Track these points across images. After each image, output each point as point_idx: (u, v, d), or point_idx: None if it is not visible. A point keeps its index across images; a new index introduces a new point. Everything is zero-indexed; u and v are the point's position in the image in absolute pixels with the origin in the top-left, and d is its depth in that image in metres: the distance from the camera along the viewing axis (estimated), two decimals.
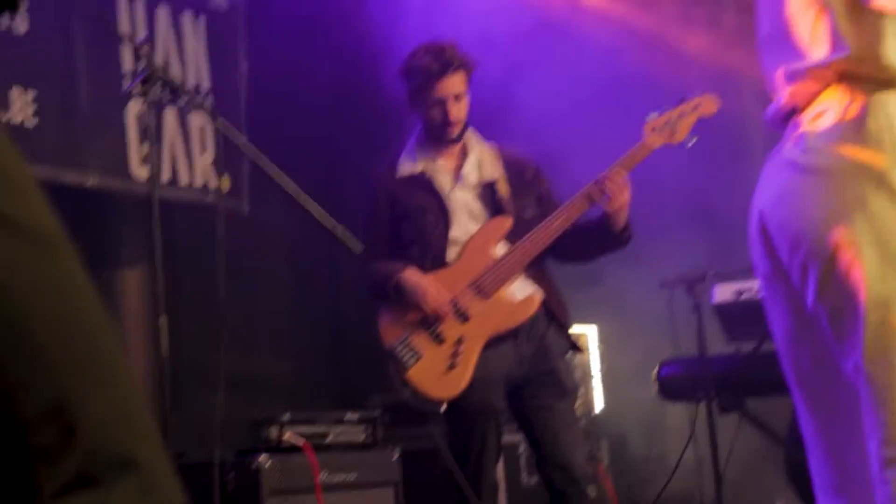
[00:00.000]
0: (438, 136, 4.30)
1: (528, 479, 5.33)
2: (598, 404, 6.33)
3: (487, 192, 4.29)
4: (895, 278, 2.27)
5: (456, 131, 4.29)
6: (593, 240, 4.30)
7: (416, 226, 4.27)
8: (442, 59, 4.25)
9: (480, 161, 4.32)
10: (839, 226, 2.31)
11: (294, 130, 6.13)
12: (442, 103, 4.25)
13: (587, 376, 6.30)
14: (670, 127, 4.20)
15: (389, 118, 5.45)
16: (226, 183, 5.60)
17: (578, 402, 5.79)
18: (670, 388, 5.49)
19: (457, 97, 4.25)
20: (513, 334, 4.18)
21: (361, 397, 5.74)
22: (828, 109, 2.36)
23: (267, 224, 5.92)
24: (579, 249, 4.36)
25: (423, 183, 4.28)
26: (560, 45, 6.10)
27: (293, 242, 6.20)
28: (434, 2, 5.88)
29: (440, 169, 4.31)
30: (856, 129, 2.32)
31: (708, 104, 4.24)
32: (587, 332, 6.39)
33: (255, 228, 5.86)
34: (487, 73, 5.58)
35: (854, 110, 2.33)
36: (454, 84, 4.25)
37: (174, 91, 3.56)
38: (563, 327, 4.28)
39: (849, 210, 2.30)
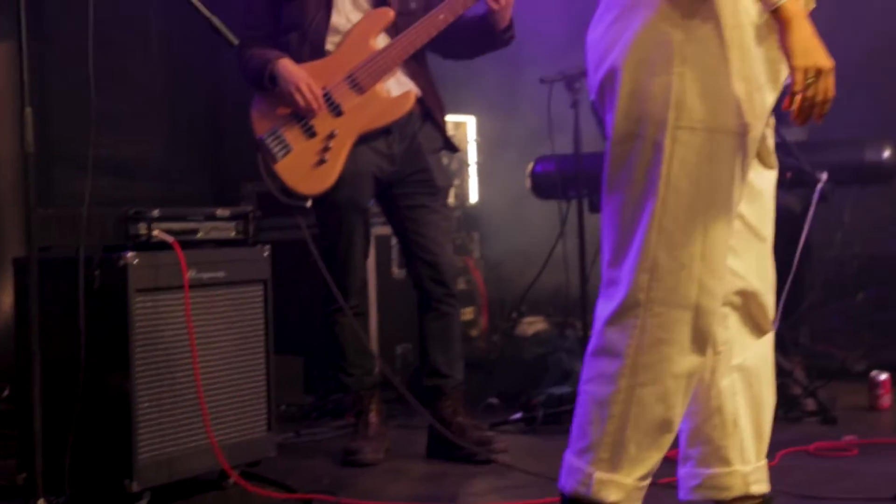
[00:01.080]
0: None
1: (399, 272, 5.39)
2: (473, 196, 6.37)
3: None
4: (635, 118, 2.33)
5: None
6: (476, 37, 4.24)
7: (297, 11, 4.15)
8: None
9: None
10: (614, 54, 2.35)
11: None
12: None
13: (464, 166, 6.32)
14: None
15: None
16: None
17: (453, 193, 5.84)
18: (543, 185, 5.53)
19: None
20: (385, 131, 4.13)
21: (235, 184, 5.71)
22: None
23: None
24: (461, 46, 4.29)
25: None
26: None
27: (171, 18, 6.00)
28: None
29: None
30: None
31: None
32: (466, 121, 6.38)
33: (130, 3, 5.67)
34: None
35: None
36: None
37: None
38: (438, 125, 4.26)
39: (625, 40, 2.34)
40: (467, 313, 5.80)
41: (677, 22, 2.30)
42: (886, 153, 4.61)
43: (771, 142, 2.54)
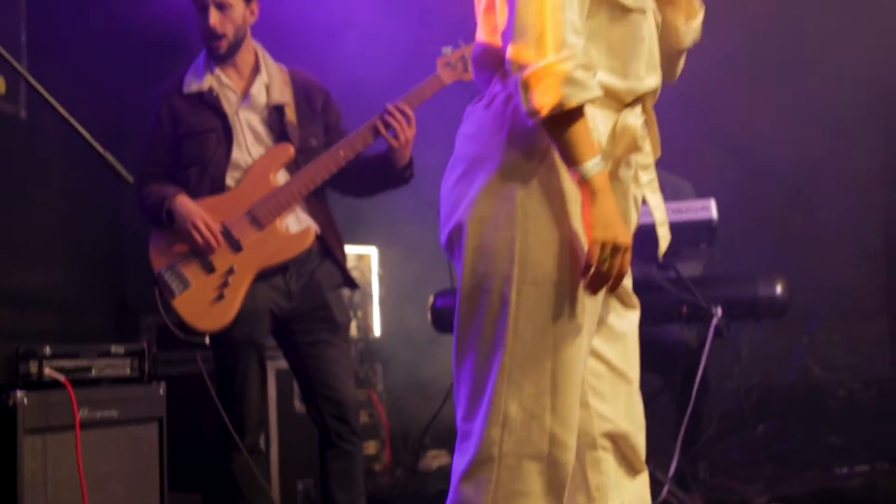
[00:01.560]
0: (209, 49, 4.19)
1: (301, 406, 5.33)
2: (376, 328, 6.37)
3: (275, 116, 4.20)
4: (481, 273, 2.37)
5: (223, 46, 4.15)
6: (375, 174, 4.27)
7: (197, 147, 4.16)
8: None
9: (270, 83, 4.22)
10: (460, 209, 2.39)
11: (81, 35, 5.88)
12: (202, 9, 4.14)
13: (366, 299, 6.32)
14: (464, 63, 4.18)
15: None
16: (1, 86, 5.37)
17: (355, 326, 5.83)
18: (443, 319, 5.55)
19: (219, 5, 4.11)
20: (283, 267, 4.13)
21: (136, 316, 5.64)
22: (495, 95, 2.41)
23: (46, 128, 5.70)
24: (361, 183, 4.32)
25: (209, 101, 4.17)
26: None
27: (73, 148, 5.97)
28: None
29: (228, 88, 4.20)
30: (504, 125, 2.38)
31: None
32: (370, 253, 6.41)
33: (32, 132, 5.64)
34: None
35: (506, 106, 2.38)
36: None
37: None
38: (338, 262, 4.26)
39: (470, 196, 2.38)
40: (370, 447, 5.75)
41: (520, 178, 2.34)
42: (779, 288, 4.71)
43: (628, 283, 2.57)
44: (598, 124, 2.37)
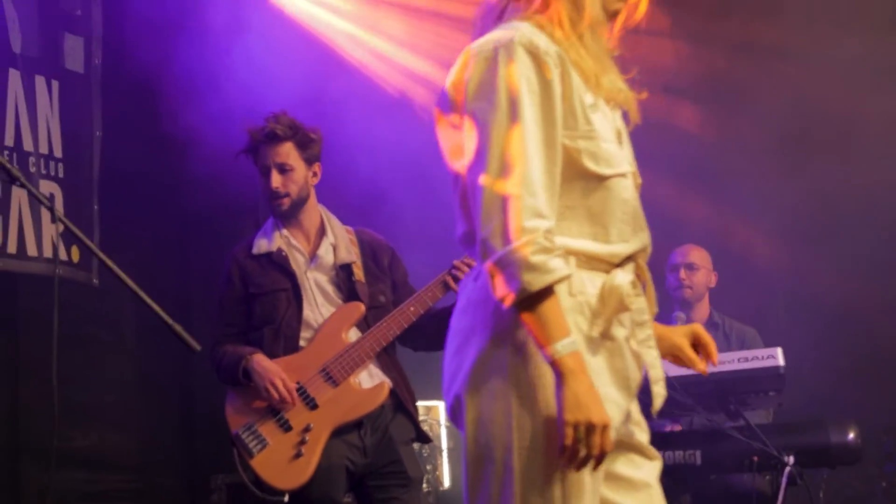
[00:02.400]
0: (272, 209, 4.29)
1: None
2: (446, 480, 6.35)
3: (343, 276, 4.29)
4: (483, 443, 2.37)
5: (286, 203, 4.25)
6: (445, 328, 4.30)
7: (269, 306, 4.24)
8: (267, 127, 4.25)
9: (336, 244, 4.32)
10: (458, 382, 2.42)
11: (152, 200, 6.05)
12: (265, 172, 4.26)
13: (436, 451, 6.31)
14: None
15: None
16: (74, 254, 5.52)
17: (425, 479, 5.81)
18: None
19: (281, 167, 4.23)
20: (357, 423, 4.17)
21: (207, 476, 5.68)
22: (482, 269, 2.41)
23: (117, 292, 5.85)
24: (432, 338, 4.33)
25: (279, 262, 4.27)
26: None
27: (144, 313, 6.09)
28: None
29: (296, 249, 4.30)
30: (490, 297, 2.37)
31: None
32: (437, 405, 6.42)
33: (104, 296, 5.77)
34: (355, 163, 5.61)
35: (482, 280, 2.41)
36: (277, 153, 4.23)
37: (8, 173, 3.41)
38: (410, 416, 4.30)
39: (465, 369, 2.40)
40: None
41: (510, 348, 2.35)
42: (851, 434, 4.65)
43: (644, 438, 2.54)
44: (586, 286, 2.39)
